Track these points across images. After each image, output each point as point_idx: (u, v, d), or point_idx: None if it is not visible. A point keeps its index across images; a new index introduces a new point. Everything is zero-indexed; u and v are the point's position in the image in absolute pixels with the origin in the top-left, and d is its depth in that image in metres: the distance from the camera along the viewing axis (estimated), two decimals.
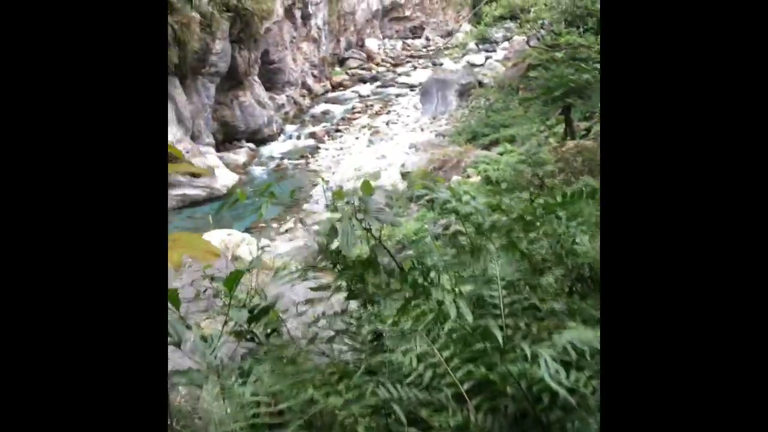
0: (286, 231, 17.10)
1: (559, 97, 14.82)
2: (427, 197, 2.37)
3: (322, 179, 16.82)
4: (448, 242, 2.42)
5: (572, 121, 15.24)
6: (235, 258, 10.58)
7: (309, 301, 2.11)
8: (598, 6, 14.35)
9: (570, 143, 12.80)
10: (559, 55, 17.34)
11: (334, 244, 1.82)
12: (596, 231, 1.80)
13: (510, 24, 19.59)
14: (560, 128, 15.51)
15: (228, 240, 12.06)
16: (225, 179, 19.93)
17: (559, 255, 1.89)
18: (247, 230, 15.68)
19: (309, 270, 1.90)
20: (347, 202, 1.81)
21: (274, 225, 17.53)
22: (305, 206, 18.91)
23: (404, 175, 18.05)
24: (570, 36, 16.34)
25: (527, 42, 20.26)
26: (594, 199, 1.74)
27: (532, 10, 17.12)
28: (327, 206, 1.84)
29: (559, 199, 1.85)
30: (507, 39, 23.38)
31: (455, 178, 15.37)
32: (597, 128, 14.63)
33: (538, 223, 1.98)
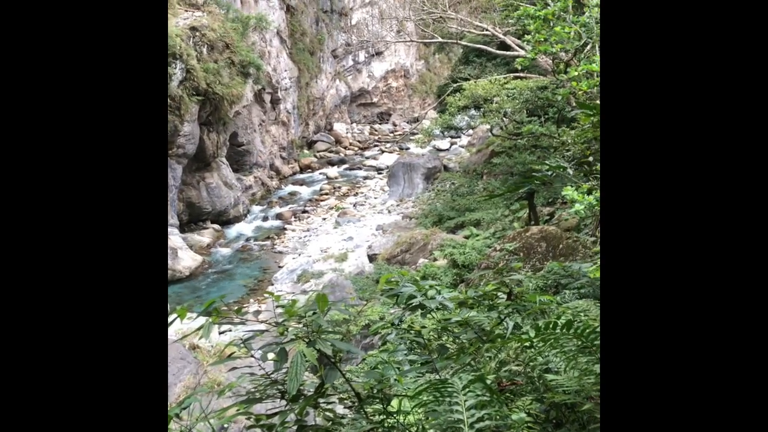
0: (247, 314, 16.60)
1: (523, 186, 15.10)
2: (391, 293, 2.23)
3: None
4: (410, 344, 2.25)
5: (536, 207, 15.51)
6: (194, 347, 10.10)
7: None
8: (559, 97, 14.95)
9: (534, 228, 12.94)
10: (521, 141, 17.88)
11: (282, 371, 1.64)
12: (574, 359, 1.67)
13: (474, 112, 20.27)
14: (524, 213, 15.74)
15: (185, 328, 11.58)
16: (187, 261, 19.49)
17: (532, 381, 1.75)
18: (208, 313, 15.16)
19: (254, 401, 1.69)
20: (301, 321, 1.64)
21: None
22: (269, 288, 18.50)
23: (371, 258, 17.93)
24: (532, 125, 16.91)
25: (490, 130, 20.90)
26: (570, 330, 1.62)
27: (495, 100, 17.74)
28: (276, 324, 1.67)
29: (532, 333, 1.71)
30: (471, 127, 24.15)
31: (422, 260, 15.30)
32: (560, 213, 14.88)
33: (509, 343, 1.86)
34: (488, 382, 1.54)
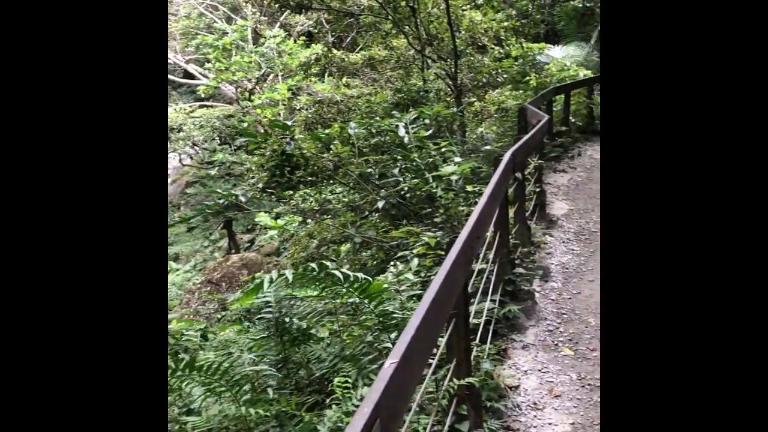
0: None
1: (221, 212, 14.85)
2: None
3: None
4: None
5: (235, 234, 15.43)
6: None
7: None
8: (245, 124, 15.12)
9: (234, 257, 12.83)
10: (212, 172, 17.61)
11: None
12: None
13: None
14: (224, 242, 15.53)
15: None
16: None
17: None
18: None
19: None
20: None
21: None
22: None
23: None
24: (222, 154, 16.80)
25: (180, 160, 20.19)
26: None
27: (183, 128, 17.19)
28: None
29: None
30: None
31: None
32: (259, 238, 15.04)
33: None
34: None
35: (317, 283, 3.10)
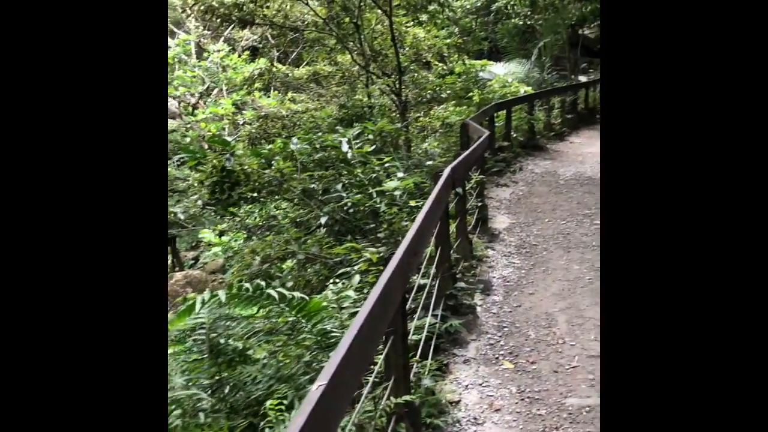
0: None
1: None
2: None
3: None
4: None
5: (179, 252, 15.04)
6: None
7: None
8: (188, 139, 14.82)
9: (178, 274, 12.50)
10: None
11: None
12: None
13: None
14: (168, 259, 15.11)
15: None
16: None
17: None
18: None
19: None
20: None
21: None
22: None
23: None
24: None
25: None
26: None
27: None
28: None
29: None
30: None
31: None
32: (204, 255, 14.70)
33: None
34: None
35: (253, 303, 3.04)
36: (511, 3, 18.94)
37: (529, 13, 18.77)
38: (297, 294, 2.93)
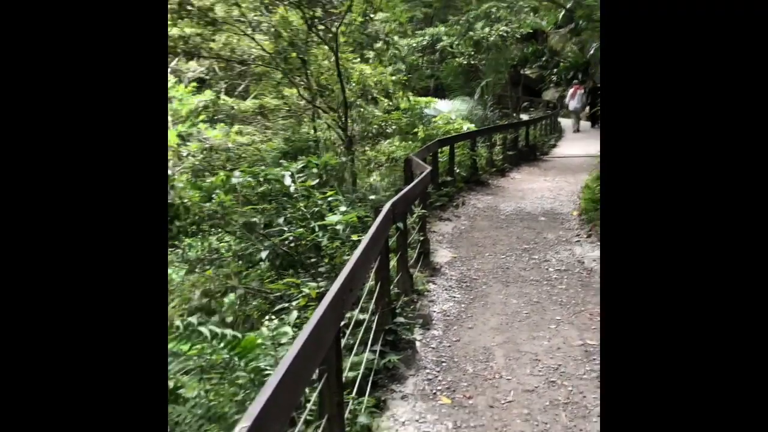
0: None
1: None
2: None
3: None
4: None
5: None
6: None
7: None
8: None
9: None
10: None
11: None
12: None
13: None
14: None
15: None
16: None
17: None
18: None
19: None
20: None
21: None
22: None
23: None
24: None
25: None
26: None
27: None
28: None
29: None
30: None
31: None
32: None
33: None
34: None
35: (185, 341, 2.97)
36: (456, 43, 19.56)
37: (472, 53, 19.40)
38: (229, 331, 2.88)
